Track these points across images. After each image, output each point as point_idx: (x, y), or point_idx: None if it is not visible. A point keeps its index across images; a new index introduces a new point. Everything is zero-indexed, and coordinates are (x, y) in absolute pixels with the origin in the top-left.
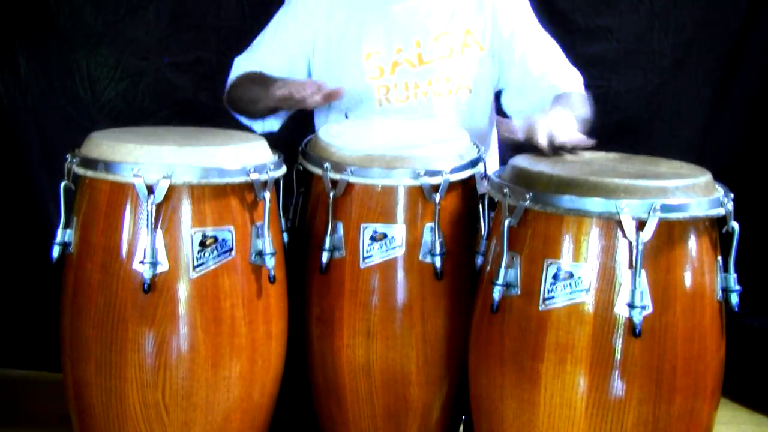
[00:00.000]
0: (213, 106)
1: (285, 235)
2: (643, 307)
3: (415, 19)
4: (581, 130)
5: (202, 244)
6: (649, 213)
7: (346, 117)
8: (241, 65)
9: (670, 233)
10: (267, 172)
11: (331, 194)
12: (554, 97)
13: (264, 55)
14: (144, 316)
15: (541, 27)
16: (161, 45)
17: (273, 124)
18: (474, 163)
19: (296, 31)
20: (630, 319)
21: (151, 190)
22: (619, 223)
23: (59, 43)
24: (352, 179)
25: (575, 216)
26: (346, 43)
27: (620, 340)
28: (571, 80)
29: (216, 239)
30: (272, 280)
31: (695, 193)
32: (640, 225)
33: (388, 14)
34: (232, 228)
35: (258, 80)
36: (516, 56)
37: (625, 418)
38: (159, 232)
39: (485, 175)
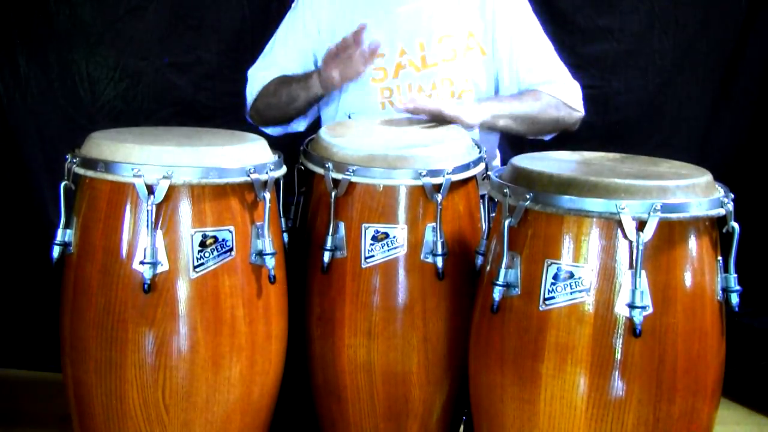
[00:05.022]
0: (213, 106)
1: (285, 235)
2: (644, 308)
3: (419, 21)
4: (517, 125)
5: (202, 244)
6: (649, 213)
7: (349, 118)
8: (259, 76)
9: (671, 233)
10: (267, 172)
11: (333, 194)
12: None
13: (280, 62)
14: (144, 316)
15: (543, 31)
16: (161, 45)
17: (300, 124)
18: (475, 164)
19: (305, 34)
20: (630, 320)
21: (151, 190)
22: (620, 223)
23: (59, 43)
24: (354, 179)
25: (575, 216)
26: None
27: (620, 341)
28: (560, 89)
29: (216, 239)
30: (272, 280)
31: (695, 193)
32: (641, 225)
33: (391, 16)
34: (232, 228)
35: (289, 80)
36: (510, 60)
37: (626, 418)
38: (159, 232)
39: (486, 176)
